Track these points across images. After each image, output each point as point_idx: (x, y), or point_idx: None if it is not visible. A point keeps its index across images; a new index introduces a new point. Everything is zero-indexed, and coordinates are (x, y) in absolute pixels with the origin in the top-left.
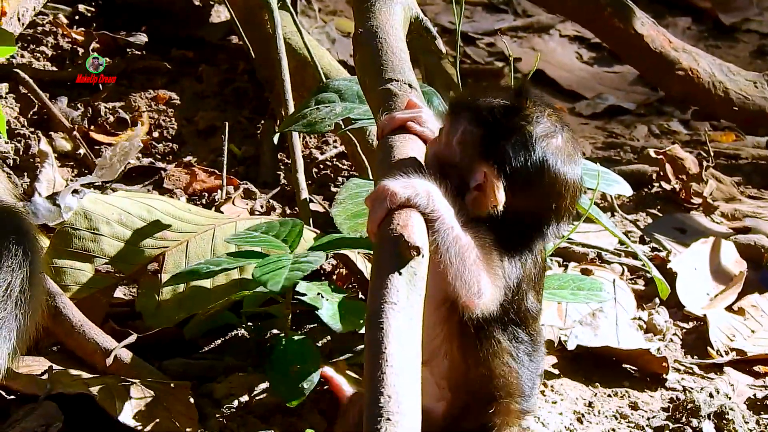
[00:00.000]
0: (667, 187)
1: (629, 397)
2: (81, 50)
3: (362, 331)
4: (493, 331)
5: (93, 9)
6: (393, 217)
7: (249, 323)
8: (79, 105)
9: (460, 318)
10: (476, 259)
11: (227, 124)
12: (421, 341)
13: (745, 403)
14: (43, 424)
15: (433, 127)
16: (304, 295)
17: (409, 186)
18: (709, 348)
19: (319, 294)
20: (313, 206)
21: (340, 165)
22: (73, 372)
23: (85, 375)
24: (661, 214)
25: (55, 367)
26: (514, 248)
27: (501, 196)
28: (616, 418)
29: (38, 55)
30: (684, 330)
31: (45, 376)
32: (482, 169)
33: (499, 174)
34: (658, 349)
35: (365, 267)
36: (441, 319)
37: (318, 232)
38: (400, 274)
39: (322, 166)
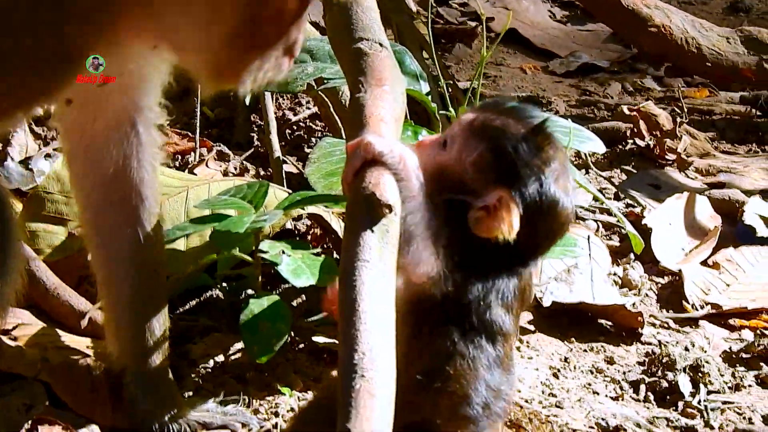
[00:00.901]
0: (641, 143)
1: (605, 351)
2: None
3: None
4: (451, 332)
5: None
6: (366, 175)
7: (223, 284)
8: None
9: (417, 306)
10: (425, 232)
11: (200, 86)
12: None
13: (720, 356)
14: (26, 404)
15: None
16: (267, 252)
17: (386, 144)
18: (684, 302)
19: (281, 251)
20: (286, 167)
21: (314, 126)
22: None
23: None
24: (635, 171)
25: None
26: (490, 266)
27: (516, 223)
28: (592, 373)
29: None
30: (659, 285)
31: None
32: (498, 192)
33: (517, 201)
34: (634, 304)
35: (339, 226)
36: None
37: (291, 192)
38: (372, 231)
39: (295, 127)
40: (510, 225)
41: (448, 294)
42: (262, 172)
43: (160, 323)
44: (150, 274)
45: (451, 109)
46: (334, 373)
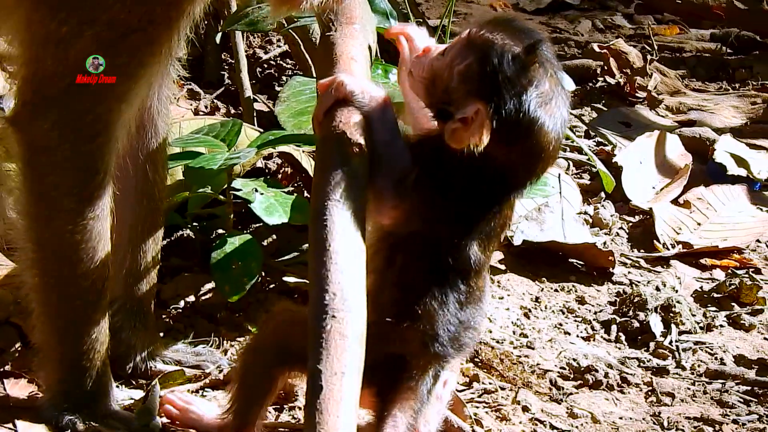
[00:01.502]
0: (612, 81)
1: (576, 291)
2: None
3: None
4: (423, 269)
5: None
6: (336, 115)
7: (194, 224)
8: None
9: (390, 246)
10: (392, 171)
11: None
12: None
13: (691, 295)
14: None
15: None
16: (240, 190)
17: (358, 84)
18: (655, 241)
19: (254, 189)
20: (257, 105)
21: (284, 64)
22: None
23: None
24: (605, 109)
25: None
26: (473, 200)
27: (486, 137)
28: (563, 313)
29: None
30: (630, 224)
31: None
32: (476, 105)
33: (492, 116)
34: (605, 243)
35: (310, 165)
36: (380, 234)
37: (262, 130)
38: (342, 171)
39: (266, 66)
40: (480, 138)
41: (419, 231)
42: (232, 111)
43: (153, 256)
44: (152, 203)
45: None
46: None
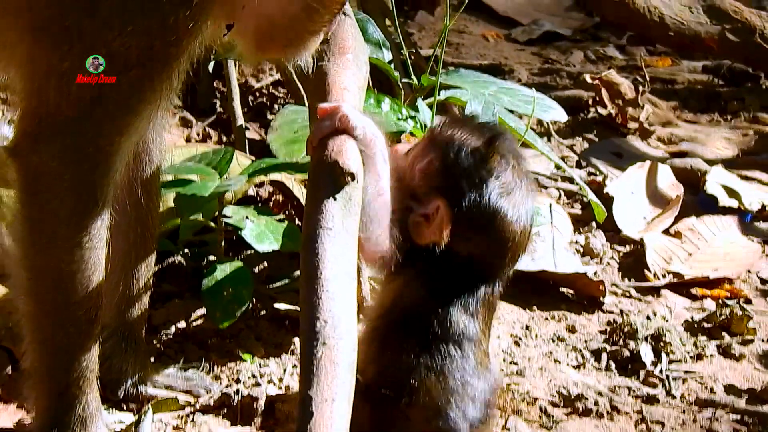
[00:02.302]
0: (604, 112)
1: (566, 320)
2: None
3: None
4: (413, 344)
5: None
6: (328, 144)
7: (186, 250)
8: None
9: (384, 321)
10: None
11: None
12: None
13: (682, 325)
14: None
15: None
16: (231, 218)
17: (360, 119)
18: (646, 271)
19: (246, 216)
20: (249, 134)
21: (276, 93)
22: None
23: None
24: (597, 139)
25: None
26: (453, 291)
27: (446, 235)
28: (554, 342)
29: None
30: (621, 253)
31: None
32: (437, 201)
33: (451, 212)
34: (596, 273)
35: (301, 193)
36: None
37: (254, 158)
38: (335, 199)
39: (258, 94)
40: (441, 236)
41: (409, 306)
42: (224, 139)
43: (145, 283)
44: (145, 231)
45: (413, 77)
46: (296, 340)
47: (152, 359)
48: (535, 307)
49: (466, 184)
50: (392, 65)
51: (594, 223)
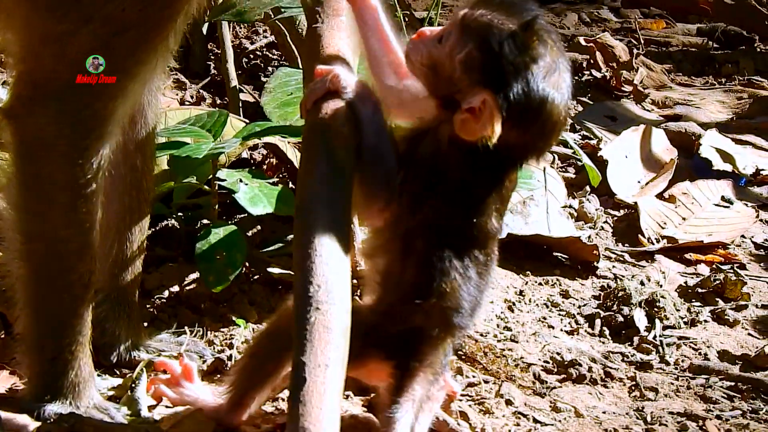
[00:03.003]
0: (598, 75)
1: (560, 285)
2: None
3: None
4: (447, 250)
5: None
6: (322, 107)
7: (179, 214)
8: None
9: (404, 234)
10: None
11: None
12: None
13: (676, 290)
14: None
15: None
16: (225, 181)
17: (354, 80)
18: (640, 236)
19: (239, 180)
20: (243, 96)
21: (270, 55)
22: None
23: None
24: (591, 102)
25: None
26: (485, 177)
27: (498, 129)
28: (547, 307)
29: None
30: (615, 218)
31: None
32: (483, 95)
33: (501, 105)
34: (589, 237)
35: (295, 156)
36: (386, 224)
37: (247, 121)
38: (328, 162)
39: (252, 56)
40: (492, 130)
41: (439, 222)
42: (218, 101)
43: (139, 247)
44: (140, 194)
45: (407, 38)
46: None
47: (145, 324)
48: (528, 272)
49: (511, 74)
50: None
51: (588, 187)
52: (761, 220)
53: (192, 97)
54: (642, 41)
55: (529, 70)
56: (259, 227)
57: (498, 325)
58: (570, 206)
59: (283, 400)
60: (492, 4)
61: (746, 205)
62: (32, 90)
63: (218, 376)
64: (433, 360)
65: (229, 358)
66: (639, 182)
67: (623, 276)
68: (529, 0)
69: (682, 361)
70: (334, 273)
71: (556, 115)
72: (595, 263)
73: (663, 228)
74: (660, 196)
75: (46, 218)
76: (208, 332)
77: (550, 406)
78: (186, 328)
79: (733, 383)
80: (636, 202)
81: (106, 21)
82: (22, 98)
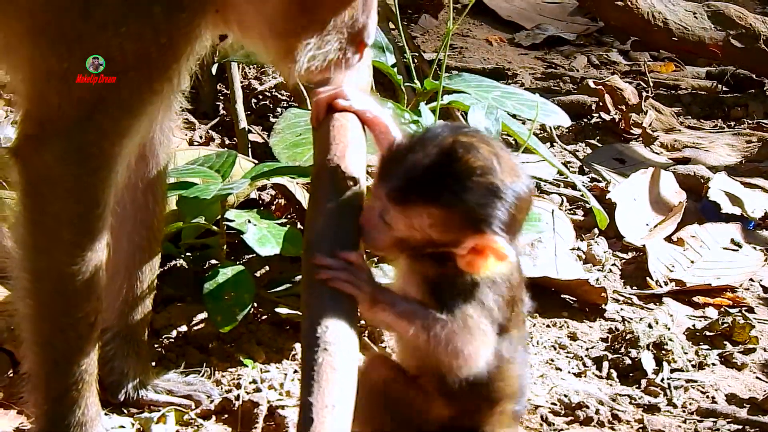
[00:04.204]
0: (607, 117)
1: (568, 327)
2: None
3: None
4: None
5: None
6: (331, 148)
7: (187, 254)
8: None
9: None
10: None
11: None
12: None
13: (684, 333)
14: None
15: (356, 96)
16: (233, 221)
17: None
18: (648, 278)
19: (248, 220)
20: (252, 136)
21: (279, 95)
22: None
23: None
24: (600, 145)
25: None
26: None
27: (510, 252)
28: (555, 349)
29: None
30: (623, 260)
31: None
32: (475, 238)
33: (497, 232)
34: (597, 280)
35: (303, 197)
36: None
37: (256, 162)
38: (336, 203)
39: (261, 97)
40: (505, 254)
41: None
42: (227, 141)
43: (149, 286)
44: (150, 233)
45: (416, 80)
46: (297, 345)
47: (153, 363)
48: (536, 314)
49: (483, 203)
50: (395, 69)
51: (596, 230)
52: None
53: (201, 137)
54: (651, 84)
55: (493, 185)
56: (267, 268)
57: None
58: (578, 248)
59: None
60: (404, 159)
61: (755, 248)
62: (38, 128)
63: (225, 416)
64: None
65: (237, 398)
66: (647, 225)
67: (631, 318)
68: (430, 129)
69: (690, 404)
70: (343, 313)
71: (530, 197)
72: (603, 305)
73: (671, 271)
74: (668, 239)
75: (52, 256)
76: (216, 372)
77: None
78: (194, 367)
79: (740, 427)
80: (644, 245)
81: (108, 61)
82: (29, 137)
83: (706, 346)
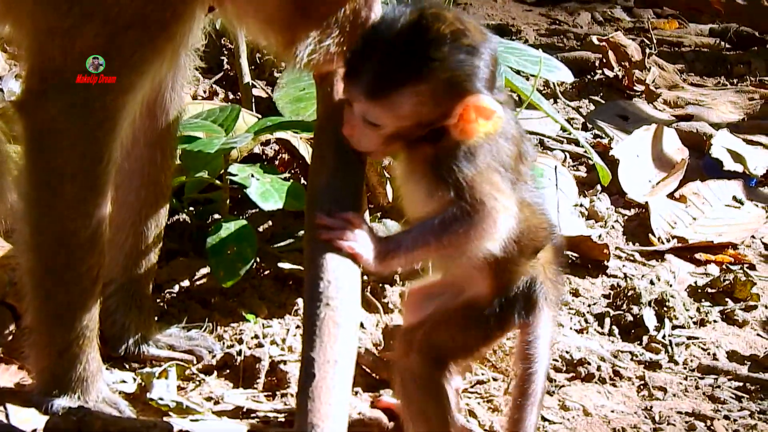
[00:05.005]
0: (610, 74)
1: (570, 283)
2: None
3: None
4: (521, 201)
5: None
6: (334, 102)
7: (190, 208)
8: None
9: None
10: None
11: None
12: None
13: (685, 290)
14: None
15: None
16: (236, 176)
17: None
18: (650, 235)
19: (251, 175)
20: (255, 91)
21: None
22: None
23: None
24: (603, 101)
25: None
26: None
27: (497, 106)
28: (557, 305)
29: None
30: (626, 217)
31: None
32: (460, 104)
33: (481, 91)
34: (600, 236)
35: (307, 152)
36: None
37: (260, 116)
38: (340, 156)
39: (265, 52)
40: (492, 109)
41: None
42: (231, 96)
43: (154, 241)
44: (157, 189)
45: None
46: (299, 300)
47: (155, 318)
48: None
49: (461, 66)
50: None
51: (599, 186)
52: None
53: (205, 92)
54: (654, 41)
55: (470, 46)
56: (270, 222)
57: None
58: (581, 205)
59: (291, 395)
60: (372, 51)
61: (756, 205)
62: (42, 83)
63: (227, 371)
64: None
65: (239, 353)
66: (650, 182)
67: (633, 275)
68: (386, 14)
69: (691, 360)
70: (345, 268)
71: (496, 52)
72: (605, 262)
73: (673, 228)
74: (671, 195)
75: (55, 210)
76: (218, 327)
77: (559, 405)
78: (196, 322)
79: (741, 383)
80: (647, 202)
81: (106, 19)
82: (33, 91)
83: (708, 303)
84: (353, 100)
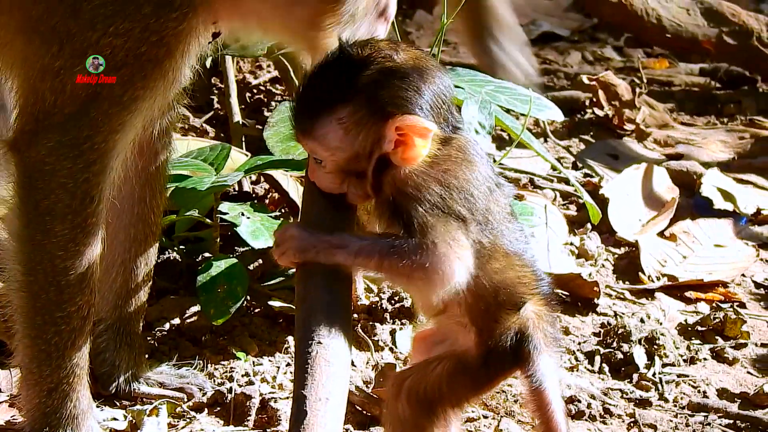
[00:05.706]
0: (600, 113)
1: (560, 322)
2: None
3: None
4: (495, 248)
5: None
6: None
7: (181, 246)
8: None
9: None
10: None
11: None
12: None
13: (676, 328)
14: None
15: None
16: (227, 214)
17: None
18: (640, 274)
19: (241, 213)
20: (246, 130)
21: (274, 90)
22: None
23: None
24: (593, 140)
25: None
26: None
27: (429, 124)
28: (555, 346)
29: None
30: (616, 255)
31: None
32: (389, 126)
33: (405, 112)
34: (590, 275)
35: (296, 191)
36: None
37: (249, 155)
38: (329, 199)
39: (255, 91)
40: (425, 128)
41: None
42: (221, 135)
43: (143, 279)
44: (147, 228)
45: None
46: (290, 338)
47: (146, 356)
48: None
49: (376, 88)
50: None
51: (589, 225)
52: (761, 259)
53: (195, 130)
54: (645, 80)
55: (388, 67)
56: (260, 261)
57: None
58: (571, 243)
59: None
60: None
61: (746, 244)
62: (34, 123)
63: (218, 408)
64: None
65: (229, 390)
66: (640, 220)
67: (623, 313)
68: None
69: (681, 398)
70: (336, 307)
71: (436, 76)
72: (595, 300)
73: (663, 266)
74: (661, 234)
75: (45, 249)
76: (209, 365)
77: None
78: (186, 360)
79: (731, 421)
80: (637, 240)
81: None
82: (25, 131)
83: (698, 341)
84: (298, 140)
